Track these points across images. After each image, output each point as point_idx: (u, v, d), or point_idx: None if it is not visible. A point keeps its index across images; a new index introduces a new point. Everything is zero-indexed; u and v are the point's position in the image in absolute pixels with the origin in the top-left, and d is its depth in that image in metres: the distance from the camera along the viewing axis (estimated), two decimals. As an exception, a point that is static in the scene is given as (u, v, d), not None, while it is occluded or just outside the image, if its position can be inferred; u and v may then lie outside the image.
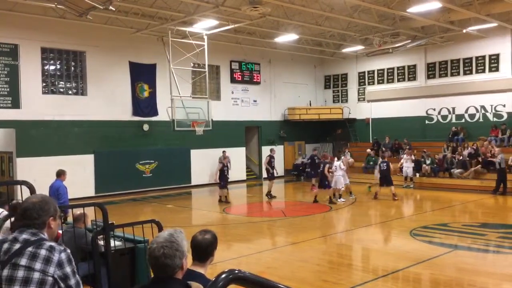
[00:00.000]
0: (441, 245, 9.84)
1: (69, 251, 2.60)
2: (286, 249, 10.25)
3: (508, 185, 16.95)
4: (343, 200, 15.95)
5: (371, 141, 24.79)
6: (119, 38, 18.91)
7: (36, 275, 2.45)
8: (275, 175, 17.84)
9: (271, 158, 17.52)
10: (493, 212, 14.44)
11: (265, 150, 24.50)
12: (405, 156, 20.17)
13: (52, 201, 2.74)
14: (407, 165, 19.87)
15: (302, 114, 25.58)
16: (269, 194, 17.23)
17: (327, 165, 15.88)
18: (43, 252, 2.49)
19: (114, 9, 14.48)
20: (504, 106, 20.82)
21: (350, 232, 11.54)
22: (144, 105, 19.96)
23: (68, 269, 2.53)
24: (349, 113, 26.13)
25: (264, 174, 19.39)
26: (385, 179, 16.38)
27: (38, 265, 2.46)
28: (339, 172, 15.75)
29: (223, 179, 16.45)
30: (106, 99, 18.86)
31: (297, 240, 10.86)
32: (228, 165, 17.03)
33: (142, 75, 19.82)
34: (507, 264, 8.58)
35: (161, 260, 2.39)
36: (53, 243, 2.56)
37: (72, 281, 2.54)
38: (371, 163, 22.34)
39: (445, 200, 16.40)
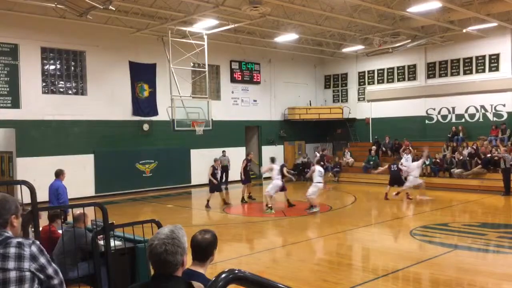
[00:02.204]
0: (441, 245, 9.84)
1: (38, 242, 2.58)
2: (286, 249, 10.25)
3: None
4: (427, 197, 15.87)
5: (371, 141, 24.80)
6: (119, 38, 18.91)
7: (13, 274, 2.43)
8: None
9: (247, 162, 17.35)
10: (493, 212, 14.43)
11: (265, 150, 24.58)
12: (405, 155, 20.16)
13: (13, 199, 2.70)
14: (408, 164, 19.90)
15: (302, 114, 25.59)
16: (250, 197, 16.91)
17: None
18: (12, 250, 2.47)
19: (114, 9, 14.50)
20: (504, 105, 20.82)
21: (350, 232, 11.54)
22: (144, 105, 19.97)
23: (42, 260, 2.53)
24: (349, 112, 26.13)
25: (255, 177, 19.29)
26: (396, 180, 16.46)
27: (11, 264, 2.44)
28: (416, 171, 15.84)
29: (211, 183, 15.90)
30: (106, 99, 18.86)
31: (297, 240, 10.85)
32: (219, 168, 16.36)
33: (142, 75, 19.84)
34: (507, 264, 8.58)
35: (163, 257, 2.37)
36: (20, 239, 2.54)
37: (50, 270, 2.55)
38: (371, 162, 22.38)
39: (445, 200, 16.38)
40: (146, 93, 20.03)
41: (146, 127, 20.01)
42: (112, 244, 5.79)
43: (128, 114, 19.58)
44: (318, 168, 14.11)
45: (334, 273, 8.16)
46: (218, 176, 16.02)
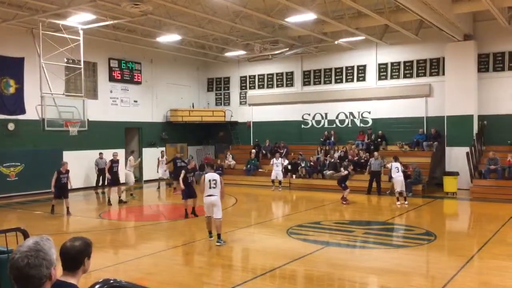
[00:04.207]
0: (314, 242, 10.45)
1: None
2: (167, 253, 10.06)
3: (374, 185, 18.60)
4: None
5: (251, 144, 25.51)
6: (-20, 26, 16.98)
7: None
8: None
9: (112, 163, 16.85)
10: (360, 210, 15.72)
11: (146, 152, 23.91)
12: (274, 160, 20.66)
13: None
14: (277, 169, 20.29)
15: (184, 116, 25.41)
16: (120, 201, 16.41)
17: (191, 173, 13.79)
18: None
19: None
20: (369, 113, 22.88)
21: (231, 233, 11.71)
22: (10, 102, 18.11)
23: None
24: (231, 116, 26.61)
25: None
26: (338, 182, 16.67)
27: None
28: (395, 174, 15.67)
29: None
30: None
31: (178, 243, 10.73)
32: (66, 172, 14.70)
33: (7, 69, 17.97)
34: (371, 258, 9.39)
35: (25, 271, 2.17)
36: None
37: None
38: (249, 165, 22.99)
39: (318, 199, 17.46)
40: (12, 90, 18.19)
41: (11, 126, 18.19)
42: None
43: (-11, 111, 17.64)
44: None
45: (215, 275, 8.22)
46: (64, 181, 14.38)
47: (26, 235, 5.12)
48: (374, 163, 18.47)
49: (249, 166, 23.02)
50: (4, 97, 18.00)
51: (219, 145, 27.17)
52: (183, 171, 13.87)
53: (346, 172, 16.81)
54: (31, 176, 18.44)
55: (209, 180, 10.09)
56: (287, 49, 22.34)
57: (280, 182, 20.34)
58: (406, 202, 15.63)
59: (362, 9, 15.84)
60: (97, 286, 2.04)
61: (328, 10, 16.68)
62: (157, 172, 20.69)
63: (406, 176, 17.99)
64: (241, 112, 26.66)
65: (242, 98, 26.78)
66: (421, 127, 21.22)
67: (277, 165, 20.36)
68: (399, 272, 8.18)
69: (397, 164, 15.93)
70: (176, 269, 8.75)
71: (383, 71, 22.45)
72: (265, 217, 14.83)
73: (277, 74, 25.58)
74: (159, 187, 20.57)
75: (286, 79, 25.35)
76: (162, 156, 20.90)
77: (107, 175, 16.70)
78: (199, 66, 27.29)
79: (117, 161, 16.91)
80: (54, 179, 14.21)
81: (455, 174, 18.46)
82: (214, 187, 10.09)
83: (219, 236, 10.18)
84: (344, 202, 16.06)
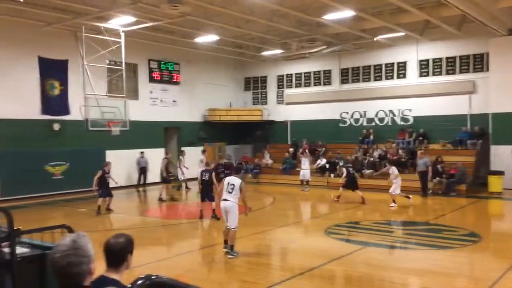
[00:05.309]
0: (353, 243, 10.32)
1: None
2: (205, 251, 10.19)
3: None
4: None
5: (289, 143, 25.44)
6: (27, 31, 17.65)
7: None
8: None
9: (167, 163, 17.14)
10: (400, 210, 15.39)
11: (186, 151, 24.23)
12: (302, 158, 20.03)
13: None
14: (305, 167, 19.69)
15: (222, 115, 25.63)
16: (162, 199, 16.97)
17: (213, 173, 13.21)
18: None
19: (21, 0, 13.55)
20: (410, 110, 22.35)
21: (268, 232, 11.73)
22: (55, 103, 18.80)
23: None
24: (268, 115, 26.63)
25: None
26: (351, 183, 16.34)
27: None
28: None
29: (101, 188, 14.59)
30: (9, 96, 17.46)
31: (216, 241, 10.82)
32: (110, 171, 14.81)
33: (53, 71, 18.66)
34: (412, 259, 9.19)
35: (67, 270, 2.25)
36: None
37: None
38: (286, 164, 22.93)
39: (357, 199, 17.18)
40: (57, 91, 18.88)
41: (56, 126, 18.88)
42: (18, 251, 5.37)
43: (36, 112, 18.30)
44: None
45: (253, 273, 8.25)
46: (108, 180, 14.58)
47: (71, 232, 5.30)
48: (419, 162, 17.95)
49: (285, 165, 22.98)
50: (50, 98, 18.70)
51: (257, 144, 27.23)
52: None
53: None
54: (76, 175, 19.09)
55: (227, 183, 9.10)
56: (325, 47, 22.12)
57: (307, 182, 19.83)
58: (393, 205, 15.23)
59: (401, 4, 15.49)
60: (140, 281, 2.09)
61: (366, 6, 16.41)
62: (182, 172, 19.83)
63: (449, 176, 17.49)
64: (278, 111, 26.63)
65: (279, 97, 26.75)
66: (465, 125, 20.56)
67: (304, 164, 19.76)
68: (441, 274, 7.96)
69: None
70: (215, 267, 8.84)
71: (424, 67, 21.89)
72: (302, 216, 14.75)
73: (314, 72, 25.39)
74: (186, 187, 20.49)
75: (324, 77, 25.12)
76: (203, 153, 19.61)
77: (164, 174, 17.17)
78: (236, 65, 27.45)
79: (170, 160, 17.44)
80: (98, 177, 14.38)
81: (500, 173, 17.80)
82: (229, 192, 9.01)
83: (231, 247, 9.10)
84: (336, 199, 16.08)
